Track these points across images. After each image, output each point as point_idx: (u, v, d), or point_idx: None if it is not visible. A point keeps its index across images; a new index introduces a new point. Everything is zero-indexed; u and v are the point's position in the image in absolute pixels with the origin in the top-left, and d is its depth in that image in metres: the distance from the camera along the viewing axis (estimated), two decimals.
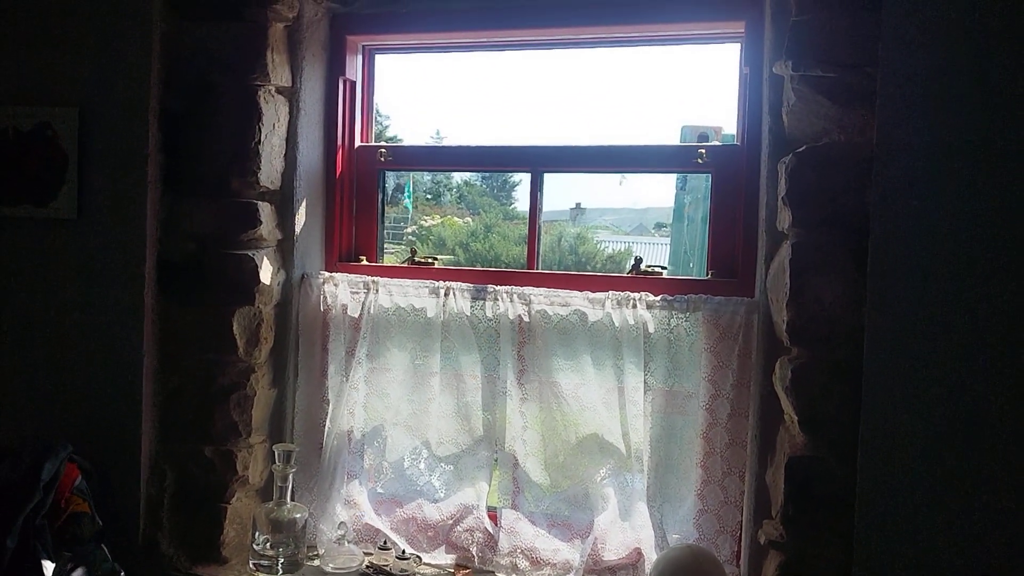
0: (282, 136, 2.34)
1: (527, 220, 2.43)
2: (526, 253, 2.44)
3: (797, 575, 1.84)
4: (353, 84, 2.53)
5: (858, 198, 1.79)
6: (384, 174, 2.57)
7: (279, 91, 2.32)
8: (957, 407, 1.65)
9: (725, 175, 2.25)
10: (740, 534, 2.13)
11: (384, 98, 2.67)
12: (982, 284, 1.64)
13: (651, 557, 2.13)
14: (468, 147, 2.47)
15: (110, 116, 2.25)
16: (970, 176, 1.64)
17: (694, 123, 2.61)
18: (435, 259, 2.50)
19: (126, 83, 2.24)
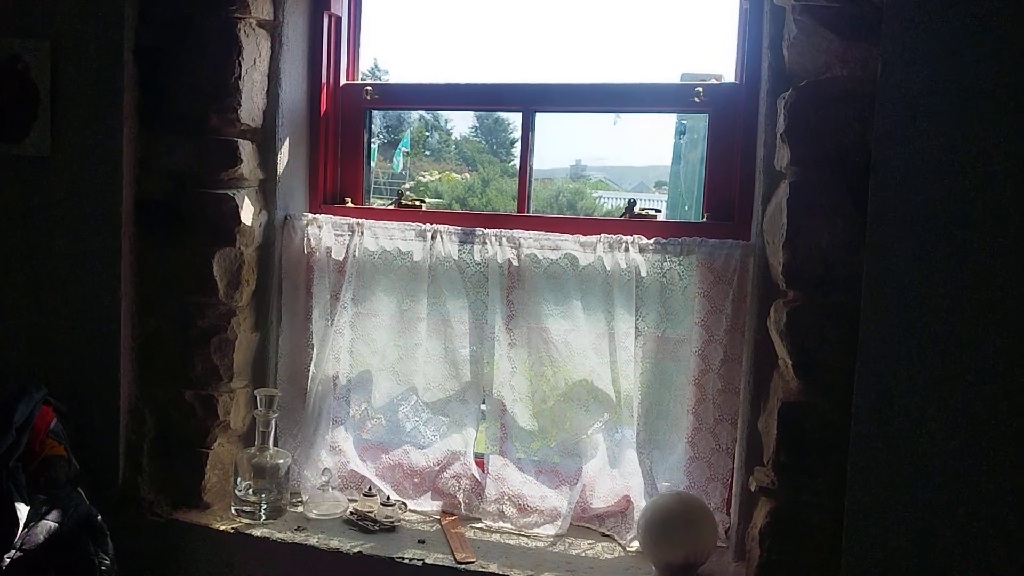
0: (263, 72, 2.26)
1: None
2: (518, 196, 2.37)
3: (788, 522, 1.81)
4: (339, 19, 2.43)
5: (859, 136, 1.72)
6: (370, 114, 2.49)
7: (260, 25, 2.23)
8: (955, 353, 1.59)
9: (723, 114, 2.17)
10: (731, 482, 2.10)
11: (379, 52, 2.59)
12: (986, 226, 1.57)
13: (640, 504, 2.09)
14: (458, 84, 2.38)
15: (84, 49, 2.16)
16: (976, 116, 1.56)
17: (693, 71, 2.54)
18: (422, 202, 2.43)
19: (100, 14, 2.14)
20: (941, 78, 1.58)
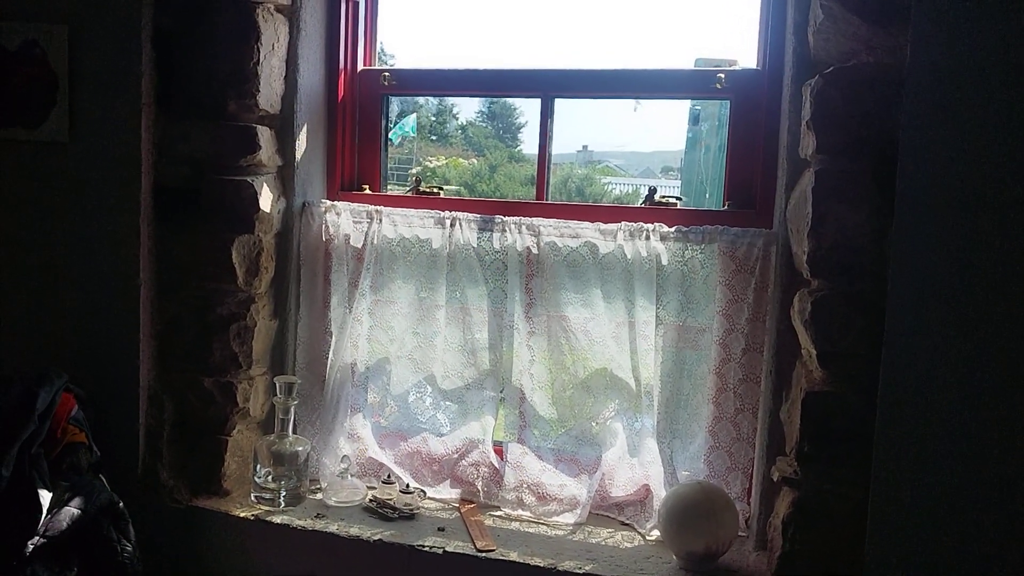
0: (282, 57, 2.24)
1: (536, 154, 2.34)
2: (535, 184, 2.35)
3: (811, 512, 1.80)
4: (356, 4, 2.41)
5: (886, 123, 1.70)
6: (388, 100, 2.47)
7: (278, 9, 2.21)
8: (981, 342, 1.57)
9: (744, 101, 2.15)
10: (752, 471, 2.09)
11: (388, 36, 2.57)
12: (1015, 214, 1.55)
13: (660, 494, 2.09)
14: (476, 70, 2.36)
15: (101, 34, 2.14)
16: (1005, 102, 1.54)
17: (708, 56, 2.51)
18: (441, 189, 2.41)
19: None
20: (971, 64, 1.56)
